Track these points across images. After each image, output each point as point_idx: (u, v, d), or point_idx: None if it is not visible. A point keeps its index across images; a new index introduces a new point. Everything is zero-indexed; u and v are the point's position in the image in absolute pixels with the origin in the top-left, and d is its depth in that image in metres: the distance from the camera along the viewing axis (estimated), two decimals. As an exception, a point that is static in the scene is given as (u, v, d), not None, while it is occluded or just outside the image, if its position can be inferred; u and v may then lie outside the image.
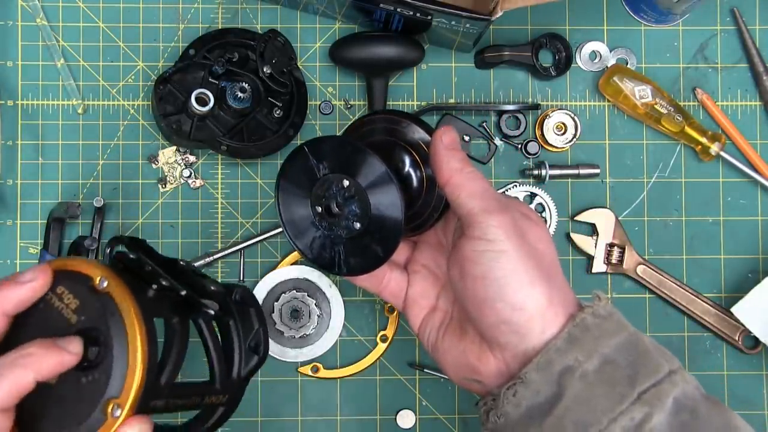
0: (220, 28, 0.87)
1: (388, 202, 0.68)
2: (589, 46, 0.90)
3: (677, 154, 0.90)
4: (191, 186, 0.87)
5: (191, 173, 0.87)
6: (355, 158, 0.68)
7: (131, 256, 0.59)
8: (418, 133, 0.73)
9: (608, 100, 0.89)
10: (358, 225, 0.70)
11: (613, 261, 0.88)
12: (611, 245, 0.88)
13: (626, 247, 0.88)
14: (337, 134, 0.69)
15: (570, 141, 0.88)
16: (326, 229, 0.71)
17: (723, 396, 0.89)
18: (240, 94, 0.83)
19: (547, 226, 0.88)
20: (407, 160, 0.73)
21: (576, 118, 0.88)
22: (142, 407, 0.55)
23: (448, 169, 0.66)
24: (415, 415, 0.87)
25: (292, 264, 0.87)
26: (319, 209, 0.71)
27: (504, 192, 0.88)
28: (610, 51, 0.90)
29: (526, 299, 0.62)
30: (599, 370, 0.60)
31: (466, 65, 0.90)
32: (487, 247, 0.63)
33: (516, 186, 0.88)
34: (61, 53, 0.87)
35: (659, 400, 0.59)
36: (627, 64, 0.90)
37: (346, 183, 0.69)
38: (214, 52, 0.84)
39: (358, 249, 0.71)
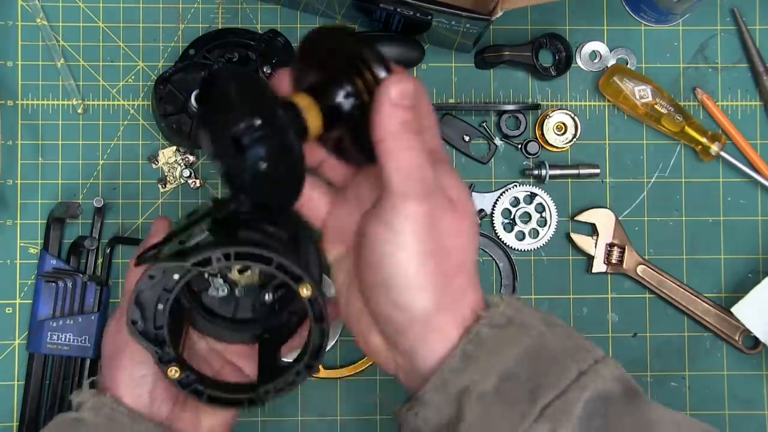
0: (220, 28, 0.87)
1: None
2: (589, 46, 0.90)
3: (677, 154, 0.90)
4: (191, 186, 0.87)
5: (191, 173, 0.87)
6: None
7: None
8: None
9: (608, 100, 0.90)
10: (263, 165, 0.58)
11: (613, 261, 0.88)
12: (611, 245, 0.88)
13: (626, 247, 0.88)
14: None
15: (570, 141, 0.88)
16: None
17: (723, 396, 0.89)
18: (240, 94, 0.83)
19: (547, 226, 0.88)
20: (346, 88, 0.60)
21: (576, 118, 0.88)
22: None
23: (383, 129, 0.57)
24: (415, 415, 0.87)
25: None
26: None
27: (504, 191, 0.88)
28: (610, 51, 0.90)
29: (410, 302, 0.57)
30: (497, 389, 0.55)
31: (466, 65, 0.90)
32: (387, 238, 0.57)
33: (516, 186, 0.88)
34: (61, 53, 0.87)
35: (565, 411, 0.54)
36: (627, 64, 0.90)
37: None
38: (214, 52, 0.84)
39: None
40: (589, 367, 0.56)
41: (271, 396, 0.65)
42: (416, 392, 0.58)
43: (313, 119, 0.59)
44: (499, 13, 0.76)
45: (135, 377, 0.68)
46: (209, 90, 0.60)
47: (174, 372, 0.64)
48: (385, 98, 0.57)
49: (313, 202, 0.64)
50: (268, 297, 0.72)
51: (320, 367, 0.86)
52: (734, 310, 0.86)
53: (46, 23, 0.87)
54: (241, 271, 0.71)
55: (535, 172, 0.88)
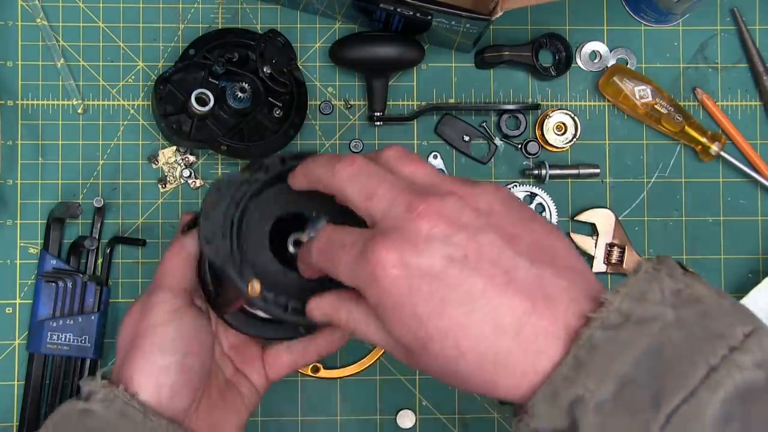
0: (220, 28, 0.87)
1: None
2: (589, 46, 0.90)
3: (677, 154, 0.90)
4: (191, 186, 0.87)
5: (191, 173, 0.87)
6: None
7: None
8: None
9: (608, 100, 0.90)
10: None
11: (613, 261, 0.88)
12: (611, 245, 0.88)
13: (626, 247, 0.88)
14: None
15: (570, 141, 0.88)
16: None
17: (723, 396, 0.89)
18: (240, 94, 0.83)
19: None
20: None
21: (576, 118, 0.88)
22: None
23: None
24: (415, 415, 0.87)
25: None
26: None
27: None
28: (610, 51, 0.90)
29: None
30: (616, 396, 0.49)
31: (466, 65, 0.90)
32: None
33: (516, 186, 0.88)
34: (61, 53, 0.87)
35: (694, 417, 0.47)
36: (627, 64, 0.90)
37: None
38: (214, 52, 0.84)
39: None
40: (721, 360, 0.48)
41: None
42: (521, 400, 0.52)
43: None
44: (499, 13, 0.76)
45: (159, 365, 0.65)
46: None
47: (256, 286, 0.60)
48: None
49: None
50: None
51: (320, 367, 0.86)
52: (734, 310, 0.86)
53: (46, 23, 0.87)
54: None
55: (535, 172, 0.88)
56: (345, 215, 0.59)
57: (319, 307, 0.59)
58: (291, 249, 0.65)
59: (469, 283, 0.50)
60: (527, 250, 0.52)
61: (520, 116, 0.89)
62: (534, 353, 0.50)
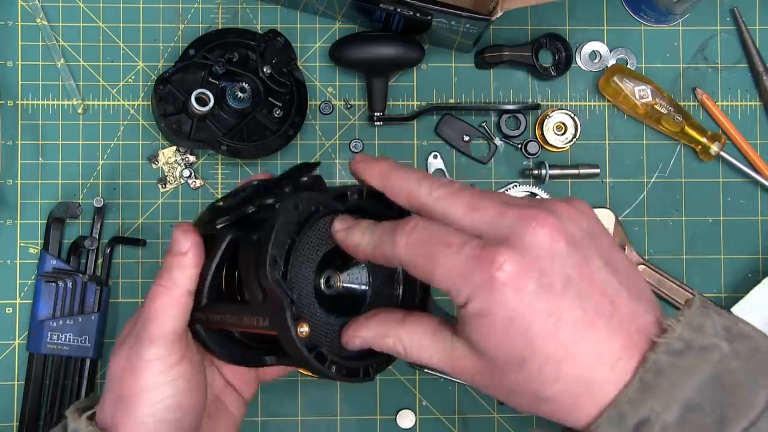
0: (220, 28, 0.87)
1: None
2: (589, 46, 0.90)
3: (677, 154, 0.90)
4: (191, 186, 0.87)
5: (191, 173, 0.87)
6: None
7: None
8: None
9: (608, 100, 0.90)
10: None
11: (613, 261, 0.88)
12: (611, 245, 0.88)
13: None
14: None
15: (570, 141, 0.88)
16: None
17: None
18: (240, 94, 0.83)
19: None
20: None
21: (576, 118, 0.88)
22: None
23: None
24: (415, 415, 0.87)
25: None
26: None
27: (504, 191, 0.88)
28: (610, 51, 0.90)
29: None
30: (681, 421, 0.49)
31: (466, 65, 0.90)
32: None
33: (516, 186, 0.88)
34: (61, 53, 0.87)
35: None
36: (627, 64, 0.90)
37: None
38: (214, 52, 0.84)
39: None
40: None
41: (373, 369, 0.59)
42: (584, 426, 0.52)
43: None
44: (499, 13, 0.76)
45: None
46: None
47: (305, 330, 0.55)
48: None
49: None
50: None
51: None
52: (734, 310, 0.86)
53: (46, 23, 0.87)
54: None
55: (535, 172, 0.88)
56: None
57: (361, 335, 0.56)
58: (323, 287, 0.59)
59: (583, 309, 0.50)
60: (625, 280, 0.52)
61: (520, 116, 0.89)
62: (620, 384, 0.50)
